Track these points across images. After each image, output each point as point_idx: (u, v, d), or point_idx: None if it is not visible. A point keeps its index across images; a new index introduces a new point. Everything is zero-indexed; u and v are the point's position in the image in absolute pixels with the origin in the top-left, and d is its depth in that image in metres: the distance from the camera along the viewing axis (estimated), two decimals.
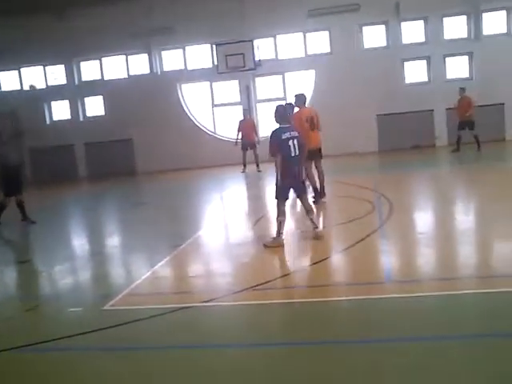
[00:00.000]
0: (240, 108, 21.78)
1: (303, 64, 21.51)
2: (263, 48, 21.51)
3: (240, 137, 18.33)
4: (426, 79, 21.04)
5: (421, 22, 20.70)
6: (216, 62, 21.38)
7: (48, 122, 24.04)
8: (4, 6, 20.32)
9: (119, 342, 4.81)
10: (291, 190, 7.80)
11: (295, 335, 4.67)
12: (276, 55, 21.81)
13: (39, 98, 23.32)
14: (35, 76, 23.79)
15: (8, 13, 21.08)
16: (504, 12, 20.13)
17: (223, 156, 21.22)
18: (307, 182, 10.06)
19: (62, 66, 23.40)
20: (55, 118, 24.15)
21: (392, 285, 5.72)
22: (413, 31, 20.82)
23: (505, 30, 20.25)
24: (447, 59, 20.69)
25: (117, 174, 22.17)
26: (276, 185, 7.67)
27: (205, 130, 22.75)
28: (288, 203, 8.19)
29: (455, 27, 20.53)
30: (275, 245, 7.57)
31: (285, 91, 22.04)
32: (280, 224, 7.63)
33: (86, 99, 23.72)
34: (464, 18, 20.41)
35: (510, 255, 6.52)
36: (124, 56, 23.00)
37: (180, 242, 8.41)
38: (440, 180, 13.47)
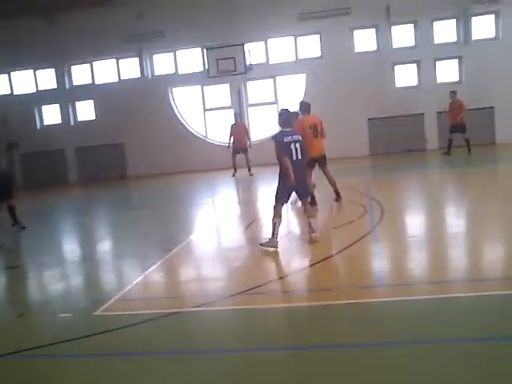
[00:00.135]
0: (231, 112, 21.80)
1: (294, 68, 21.55)
2: (254, 52, 21.53)
3: (232, 141, 18.31)
4: (416, 83, 21.13)
5: (411, 26, 20.80)
6: (207, 66, 21.40)
7: (38, 126, 23.94)
8: None
9: (111, 348, 4.79)
10: (293, 193, 7.80)
11: (287, 340, 4.67)
12: (267, 59, 21.83)
13: (29, 102, 23.26)
14: (25, 80, 23.71)
15: None
16: (492, 16, 20.27)
17: (214, 160, 21.21)
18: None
19: (53, 69, 23.32)
20: (46, 122, 24.04)
21: (383, 288, 5.73)
22: (403, 35, 20.91)
23: (493, 35, 20.38)
24: (437, 63, 20.80)
25: (108, 178, 22.12)
26: (278, 186, 7.69)
27: (196, 133, 22.73)
28: (285, 206, 8.18)
29: (445, 31, 20.65)
30: (269, 245, 7.57)
31: (276, 95, 22.08)
32: (275, 225, 7.62)
33: (77, 103, 23.64)
34: (453, 22, 20.54)
35: (500, 258, 6.56)
36: (115, 60, 22.95)
37: (171, 247, 8.39)
38: (430, 183, 13.52)
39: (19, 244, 10.77)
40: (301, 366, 4.09)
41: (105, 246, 9.84)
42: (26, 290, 7.30)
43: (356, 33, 21.19)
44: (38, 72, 23.64)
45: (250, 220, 10.46)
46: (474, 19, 20.29)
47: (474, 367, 3.84)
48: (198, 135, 22.71)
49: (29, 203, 17.20)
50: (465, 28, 20.21)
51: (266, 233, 9.34)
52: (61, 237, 11.44)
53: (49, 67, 23.30)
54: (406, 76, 21.16)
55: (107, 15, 21.42)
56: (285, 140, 7.56)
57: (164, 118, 22.30)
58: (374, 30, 21.02)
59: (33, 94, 23.66)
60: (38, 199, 18.91)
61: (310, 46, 21.55)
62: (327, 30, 20.84)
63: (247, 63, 20.96)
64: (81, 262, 8.50)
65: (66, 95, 23.31)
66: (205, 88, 22.50)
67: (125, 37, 21.55)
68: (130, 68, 22.86)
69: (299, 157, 7.58)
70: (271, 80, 22.01)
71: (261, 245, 7.66)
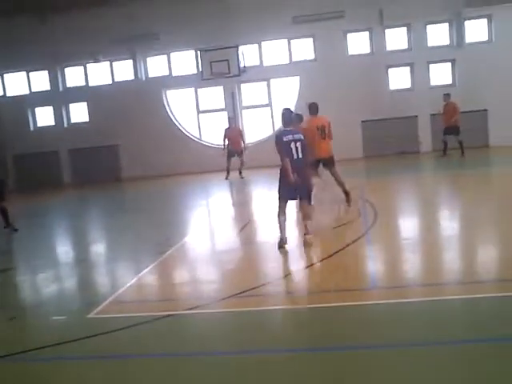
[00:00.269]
0: (225, 114, 21.81)
1: (288, 70, 21.57)
2: (248, 54, 21.55)
3: (226, 144, 18.29)
4: (409, 85, 21.20)
5: (404, 30, 20.87)
6: (201, 68, 21.39)
7: (32, 128, 23.84)
8: None
9: (104, 351, 4.77)
10: (295, 192, 7.77)
11: (281, 342, 4.67)
12: (261, 62, 21.84)
13: (23, 103, 23.21)
14: (18, 82, 23.63)
15: None
16: (485, 20, 20.37)
17: (208, 162, 21.18)
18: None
19: (46, 71, 23.25)
20: (39, 124, 23.95)
21: (377, 291, 5.74)
22: (396, 38, 20.98)
23: (486, 38, 20.48)
24: (430, 66, 20.87)
25: (102, 180, 22.06)
26: (278, 185, 7.73)
27: (190, 136, 22.71)
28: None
29: (438, 34, 20.74)
30: (278, 245, 7.65)
31: (270, 98, 22.10)
32: (279, 224, 7.69)
33: (71, 105, 23.56)
34: (446, 25, 20.63)
35: (493, 260, 6.59)
36: (108, 62, 22.90)
37: (165, 249, 8.38)
38: (424, 186, 13.56)
39: (11, 246, 10.71)
40: (294, 368, 4.09)
41: (98, 248, 9.81)
42: (18, 293, 7.26)
43: (350, 36, 21.23)
44: (31, 74, 23.54)
45: (243, 222, 10.46)
46: (466, 23, 20.39)
47: (468, 369, 3.85)
48: (192, 137, 22.69)
49: (22, 205, 17.13)
50: (458, 31, 20.30)
51: (260, 235, 9.39)
52: (54, 239, 11.40)
53: (42, 69, 23.22)
54: (399, 79, 21.22)
55: (101, 17, 21.36)
56: (284, 139, 7.57)
57: (158, 120, 22.26)
58: (367, 33, 21.07)
59: (26, 95, 23.56)
60: (32, 201, 18.84)
61: (304, 48, 21.58)
62: (321, 33, 20.87)
63: (241, 66, 20.96)
64: (74, 264, 8.47)
65: (59, 97, 23.23)
66: (199, 90, 22.48)
67: (118, 39, 21.50)
68: (124, 70, 22.81)
69: (299, 156, 7.57)
70: (265, 82, 22.01)
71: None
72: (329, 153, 10.71)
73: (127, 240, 9.89)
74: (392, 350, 4.23)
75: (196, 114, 22.76)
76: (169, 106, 22.78)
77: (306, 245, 7.67)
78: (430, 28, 20.70)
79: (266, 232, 9.57)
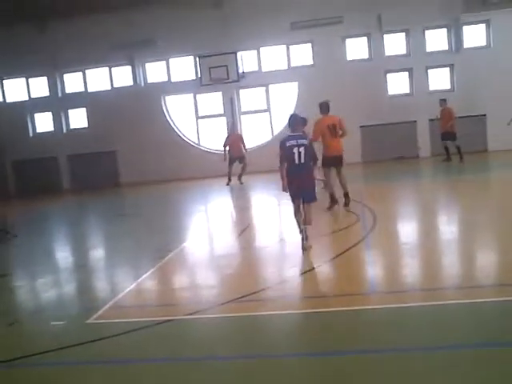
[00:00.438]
0: (224, 120, 21.88)
1: (287, 76, 21.62)
2: (247, 60, 21.60)
3: (228, 150, 18.26)
4: (408, 91, 21.24)
5: (402, 35, 20.93)
6: (199, 74, 21.44)
7: (31, 134, 23.86)
8: None
9: (103, 356, 4.76)
10: (300, 194, 7.83)
11: (280, 347, 4.66)
12: (259, 67, 21.89)
13: (22, 109, 23.25)
14: (18, 88, 23.66)
15: None
16: (483, 25, 20.43)
17: (207, 168, 21.20)
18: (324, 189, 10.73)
19: (45, 77, 23.29)
20: (38, 130, 23.97)
21: (376, 295, 5.73)
22: (395, 43, 21.04)
23: (484, 43, 20.54)
24: (429, 71, 20.92)
25: (101, 186, 22.06)
26: (288, 186, 7.78)
27: (189, 141, 22.73)
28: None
29: (436, 40, 20.79)
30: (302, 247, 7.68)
31: (268, 103, 22.14)
32: (297, 222, 7.76)
33: (70, 111, 23.59)
34: (445, 30, 20.69)
35: (493, 265, 6.58)
36: (107, 68, 22.94)
37: (165, 254, 8.36)
38: (423, 191, 13.55)
39: (10, 252, 10.67)
40: (294, 372, 4.08)
41: (97, 254, 9.78)
42: (17, 299, 7.24)
43: (348, 41, 21.29)
44: (30, 80, 23.59)
45: (243, 227, 10.46)
46: (465, 28, 20.46)
47: (468, 374, 3.84)
48: (191, 143, 22.71)
49: (21, 211, 17.13)
50: (456, 36, 20.36)
51: (259, 240, 9.39)
52: (53, 245, 11.36)
53: (41, 75, 23.26)
54: (398, 84, 21.27)
55: (100, 23, 21.42)
56: (287, 144, 7.63)
57: (157, 126, 22.29)
58: (366, 38, 21.13)
59: (25, 101, 23.61)
60: (30, 207, 18.82)
61: (303, 54, 21.63)
62: (319, 39, 20.92)
63: (240, 71, 21.02)
64: (73, 269, 8.45)
65: (58, 103, 23.27)
66: (197, 96, 22.52)
67: (117, 45, 21.55)
68: (123, 76, 22.85)
69: (302, 161, 7.59)
70: (264, 88, 22.06)
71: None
72: (339, 151, 10.79)
73: (126, 245, 9.88)
74: (391, 355, 4.22)
75: (195, 119, 22.78)
76: (168, 111, 22.81)
77: (305, 249, 7.65)
78: (429, 33, 20.77)
79: (265, 237, 9.58)
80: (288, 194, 7.84)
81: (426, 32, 20.74)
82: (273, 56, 21.82)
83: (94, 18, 21.28)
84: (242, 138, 18.79)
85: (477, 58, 20.09)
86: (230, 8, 21.00)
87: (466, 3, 19.81)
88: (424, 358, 4.11)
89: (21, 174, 23.29)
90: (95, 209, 16.95)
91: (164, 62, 22.54)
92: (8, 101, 23.89)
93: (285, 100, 21.77)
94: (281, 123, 21.63)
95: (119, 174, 23.06)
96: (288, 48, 21.62)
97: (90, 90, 23.27)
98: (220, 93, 22.12)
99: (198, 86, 21.53)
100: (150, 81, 22.83)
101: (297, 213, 7.82)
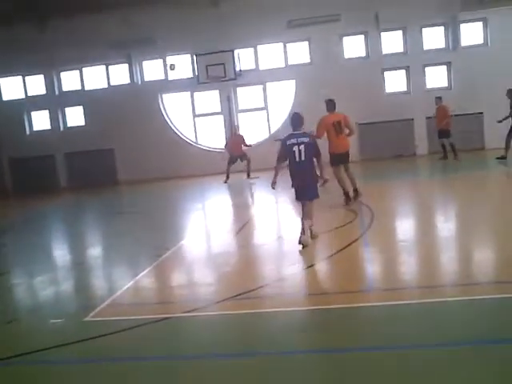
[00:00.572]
0: (221, 118, 21.91)
1: (284, 74, 21.60)
2: (244, 58, 21.58)
3: (228, 149, 18.19)
4: (405, 89, 21.26)
5: (400, 33, 20.93)
6: (197, 72, 21.41)
7: (28, 132, 23.81)
8: None
9: (101, 354, 4.76)
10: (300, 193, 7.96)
11: (278, 344, 4.66)
12: (257, 65, 21.87)
13: (19, 107, 23.20)
14: (14, 86, 23.62)
15: None
16: (481, 23, 20.44)
17: (205, 166, 21.20)
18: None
19: (42, 76, 23.23)
20: (35, 128, 23.92)
21: (375, 293, 5.74)
22: (392, 41, 21.04)
23: (481, 41, 20.56)
24: (426, 69, 20.94)
25: (98, 183, 22.01)
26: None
27: (186, 139, 22.70)
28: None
29: (434, 38, 20.80)
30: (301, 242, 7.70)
31: (266, 101, 22.13)
32: (302, 223, 7.81)
33: (67, 109, 23.53)
34: (442, 28, 20.70)
35: (490, 262, 6.60)
36: (104, 66, 22.90)
37: (162, 252, 8.36)
38: (420, 189, 13.57)
39: (7, 250, 10.65)
40: (293, 370, 4.08)
41: (95, 252, 9.77)
42: (15, 297, 7.23)
43: (345, 39, 21.27)
44: (27, 78, 23.53)
45: (241, 225, 10.46)
46: (462, 26, 20.47)
47: (467, 371, 3.84)
48: (188, 141, 22.68)
49: (18, 209, 17.10)
50: (453, 34, 20.38)
51: (257, 237, 9.40)
52: (50, 243, 11.35)
53: (38, 73, 23.19)
54: (395, 82, 21.28)
55: (97, 21, 21.37)
56: (288, 143, 7.77)
57: (154, 124, 22.25)
58: (363, 36, 21.13)
59: (22, 99, 23.55)
60: (28, 205, 18.79)
61: (300, 52, 21.62)
62: (317, 37, 20.91)
63: (237, 69, 21.02)
64: (71, 267, 8.45)
65: (55, 101, 23.20)
66: (195, 94, 22.50)
67: (114, 43, 21.51)
68: (120, 74, 22.81)
69: (302, 158, 7.69)
70: (261, 86, 22.04)
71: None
72: (345, 148, 10.86)
73: (124, 243, 9.86)
74: (390, 353, 4.22)
75: (192, 117, 22.76)
76: (165, 109, 22.77)
77: (301, 243, 7.64)
78: (426, 31, 20.77)
79: (263, 234, 9.59)
80: (274, 189, 8.15)
81: (424, 30, 20.73)
82: (270, 54, 21.80)
83: (91, 16, 21.21)
84: (243, 140, 18.64)
85: (474, 56, 20.11)
86: (227, 6, 20.97)
87: (463, 1, 19.80)
88: (422, 354, 4.11)
89: (18, 172, 23.22)
90: (92, 207, 16.93)
91: (161, 60, 22.49)
92: (4, 99, 23.82)
93: (282, 98, 21.76)
94: (278, 121, 21.66)
95: (117, 172, 23.03)
96: (285, 46, 21.60)
97: (87, 88, 23.21)
98: (217, 91, 22.09)
99: (196, 84, 21.51)
100: (147, 79, 22.78)
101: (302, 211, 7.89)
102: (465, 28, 20.54)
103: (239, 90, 22.28)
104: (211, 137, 22.35)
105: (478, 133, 20.39)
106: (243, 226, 10.36)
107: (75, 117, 23.39)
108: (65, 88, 23.40)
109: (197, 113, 22.70)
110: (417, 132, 20.92)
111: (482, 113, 20.26)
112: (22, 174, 23.03)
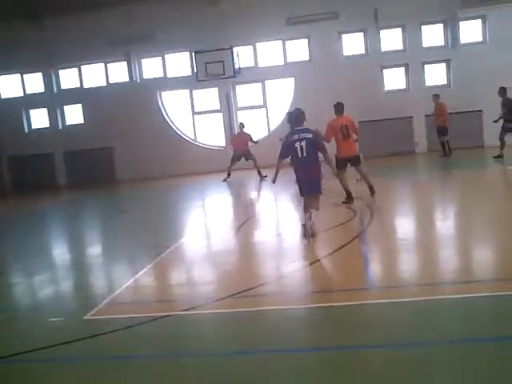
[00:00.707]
0: (220, 115, 21.90)
1: (283, 72, 21.60)
2: (243, 56, 21.57)
3: (233, 146, 18.07)
4: (404, 86, 21.25)
5: (399, 30, 20.93)
6: (196, 70, 21.40)
7: (27, 130, 23.80)
8: None
9: (101, 352, 4.75)
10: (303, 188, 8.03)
11: (278, 342, 4.65)
12: (256, 63, 21.87)
13: (17, 105, 23.18)
14: (13, 84, 23.59)
15: None
16: (480, 21, 20.45)
17: (204, 163, 21.21)
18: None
19: (41, 73, 23.21)
20: (34, 126, 23.91)
21: (374, 290, 5.74)
22: (391, 39, 21.04)
23: (481, 39, 20.56)
24: (425, 66, 20.94)
25: (97, 182, 22.01)
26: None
27: (185, 137, 22.69)
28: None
29: (433, 35, 20.81)
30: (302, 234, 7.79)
31: (265, 99, 22.11)
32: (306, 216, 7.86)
33: (65, 107, 23.53)
34: (441, 26, 20.70)
35: (490, 260, 6.60)
36: (103, 64, 22.87)
37: (162, 250, 8.34)
38: (419, 186, 13.57)
39: (5, 249, 10.63)
40: (292, 368, 4.08)
41: (95, 250, 9.76)
42: (16, 295, 7.21)
43: (344, 37, 21.28)
44: (25, 76, 23.51)
45: (240, 222, 10.45)
46: (461, 23, 20.47)
47: (466, 368, 3.84)
48: (188, 139, 22.67)
49: (17, 207, 17.07)
50: (452, 32, 20.38)
51: (257, 235, 9.39)
52: (50, 241, 11.32)
53: (36, 71, 23.18)
54: (394, 79, 21.28)
55: (95, 19, 21.34)
56: (289, 140, 7.87)
57: (153, 122, 22.25)
58: (362, 33, 21.13)
59: (21, 97, 23.53)
60: (27, 203, 18.76)
61: (299, 49, 21.61)
62: (316, 34, 20.91)
63: (236, 67, 21.01)
64: (70, 266, 8.43)
65: (54, 99, 23.20)
66: (194, 92, 22.48)
67: (113, 41, 21.51)
68: (119, 72, 22.79)
69: (304, 154, 7.76)
70: (260, 84, 22.03)
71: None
72: (353, 152, 10.84)
73: (123, 241, 9.86)
74: (389, 350, 4.22)
75: (191, 115, 22.74)
76: (164, 107, 22.76)
77: (308, 234, 7.68)
78: (425, 29, 20.79)
79: (263, 232, 9.58)
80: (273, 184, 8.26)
81: (423, 27, 20.75)
82: (269, 51, 21.81)
83: (89, 13, 21.18)
84: (250, 137, 18.13)
85: (473, 53, 20.12)
86: (226, 3, 20.96)
87: None
88: (421, 352, 4.10)
89: (16, 171, 23.22)
90: (91, 205, 16.91)
91: (160, 58, 22.49)
92: (3, 97, 23.81)
93: (281, 96, 21.74)
94: (277, 119, 21.64)
95: (115, 170, 23.02)
96: (284, 43, 21.60)
97: (85, 86, 23.20)
98: (216, 88, 22.09)
99: (194, 81, 21.50)
100: (145, 77, 22.78)
101: (305, 209, 7.91)
102: (464, 25, 20.56)
103: (238, 87, 22.27)
104: (210, 134, 22.33)
105: (477, 130, 20.38)
106: (243, 223, 10.35)
107: (74, 115, 23.40)
108: (63, 86, 23.41)
109: (196, 110, 22.69)
110: (416, 130, 20.92)
111: (481, 110, 20.26)
112: (20, 172, 23.01)
